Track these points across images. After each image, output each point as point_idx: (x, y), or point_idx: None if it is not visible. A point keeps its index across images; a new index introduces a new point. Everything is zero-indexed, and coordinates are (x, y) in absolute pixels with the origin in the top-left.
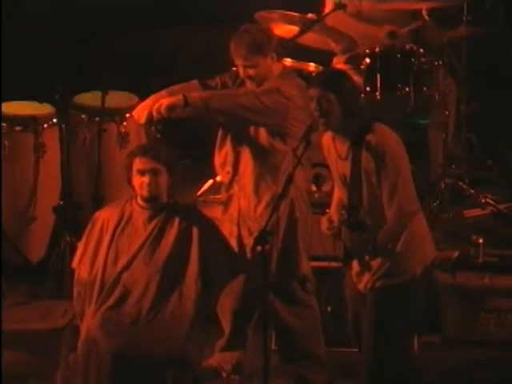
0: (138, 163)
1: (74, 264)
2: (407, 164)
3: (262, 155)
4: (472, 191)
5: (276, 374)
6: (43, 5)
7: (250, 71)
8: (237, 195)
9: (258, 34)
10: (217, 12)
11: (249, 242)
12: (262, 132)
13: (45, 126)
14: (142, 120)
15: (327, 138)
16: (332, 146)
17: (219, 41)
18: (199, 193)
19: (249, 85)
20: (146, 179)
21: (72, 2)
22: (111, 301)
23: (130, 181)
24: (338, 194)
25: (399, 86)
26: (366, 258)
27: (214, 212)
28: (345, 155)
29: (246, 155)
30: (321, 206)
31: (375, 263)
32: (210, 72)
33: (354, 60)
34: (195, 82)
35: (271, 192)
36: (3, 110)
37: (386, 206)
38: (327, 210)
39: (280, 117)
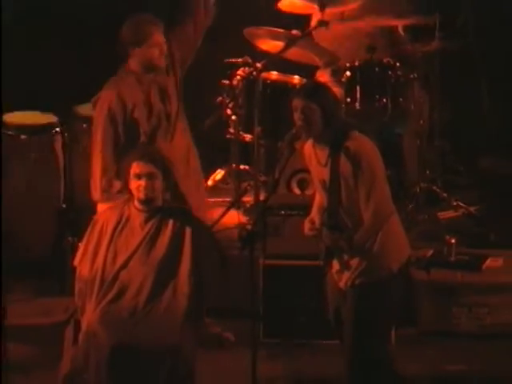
0: (135, 167)
1: (76, 262)
2: (382, 169)
3: None
4: (445, 195)
5: None
6: (46, 17)
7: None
8: None
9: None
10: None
11: None
12: None
13: (48, 134)
14: None
15: (308, 146)
16: (313, 154)
17: (209, 53)
18: None
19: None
20: (142, 182)
21: (74, 16)
22: (110, 296)
23: (127, 184)
24: (319, 197)
25: (377, 97)
26: (345, 257)
27: (211, 214)
28: (324, 162)
29: None
30: (304, 209)
31: (354, 262)
32: (200, 83)
33: (335, 73)
34: None
35: None
36: (9, 120)
37: (363, 208)
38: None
39: None
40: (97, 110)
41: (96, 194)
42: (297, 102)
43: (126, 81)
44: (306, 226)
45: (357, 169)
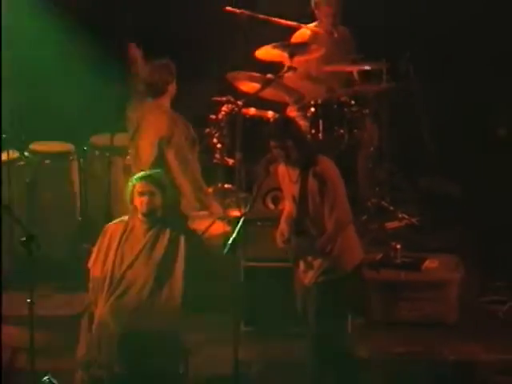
0: (139, 187)
1: (90, 264)
2: (343, 187)
3: None
4: (392, 208)
5: None
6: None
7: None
8: None
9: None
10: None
11: None
12: None
13: (67, 159)
14: None
15: (282, 167)
16: (286, 173)
17: (199, 93)
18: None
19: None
20: (144, 199)
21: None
22: (118, 292)
23: (132, 201)
24: (289, 209)
25: (336, 128)
26: (309, 259)
27: (200, 224)
28: (295, 179)
29: None
30: (277, 221)
31: (316, 263)
32: (192, 117)
33: (302, 109)
34: None
35: None
36: (36, 148)
37: (327, 218)
38: None
39: None
40: (176, 138)
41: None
42: (273, 143)
43: (169, 114)
44: (278, 239)
45: (323, 188)
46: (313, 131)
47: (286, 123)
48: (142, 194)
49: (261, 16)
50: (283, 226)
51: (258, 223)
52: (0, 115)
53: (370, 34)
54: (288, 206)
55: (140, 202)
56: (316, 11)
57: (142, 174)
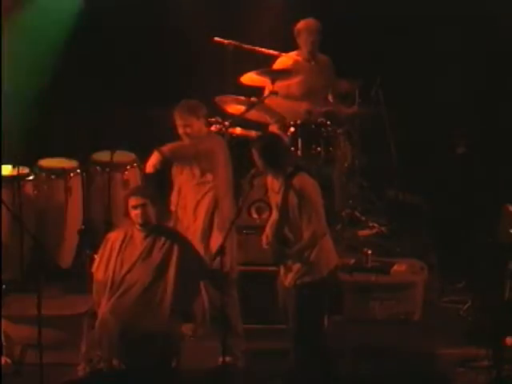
0: (131, 201)
1: (93, 269)
2: (320, 199)
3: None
4: (363, 218)
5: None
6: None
7: (187, 129)
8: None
9: (192, 103)
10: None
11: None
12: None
13: (71, 174)
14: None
15: (270, 178)
16: (271, 184)
17: None
18: None
19: (185, 140)
20: (138, 212)
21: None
22: (118, 294)
23: (128, 213)
24: (274, 215)
25: (313, 146)
26: (289, 263)
27: None
28: (277, 190)
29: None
30: (261, 228)
31: (295, 267)
32: None
33: (282, 129)
34: None
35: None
36: (43, 164)
37: (304, 228)
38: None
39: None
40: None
41: None
42: (255, 152)
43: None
44: (264, 241)
45: (301, 202)
46: (292, 148)
47: (273, 137)
48: (135, 207)
49: (246, 46)
50: (268, 230)
51: (244, 231)
52: (0, 130)
53: (345, 60)
54: (273, 214)
55: (135, 215)
56: (297, 40)
57: (132, 189)
